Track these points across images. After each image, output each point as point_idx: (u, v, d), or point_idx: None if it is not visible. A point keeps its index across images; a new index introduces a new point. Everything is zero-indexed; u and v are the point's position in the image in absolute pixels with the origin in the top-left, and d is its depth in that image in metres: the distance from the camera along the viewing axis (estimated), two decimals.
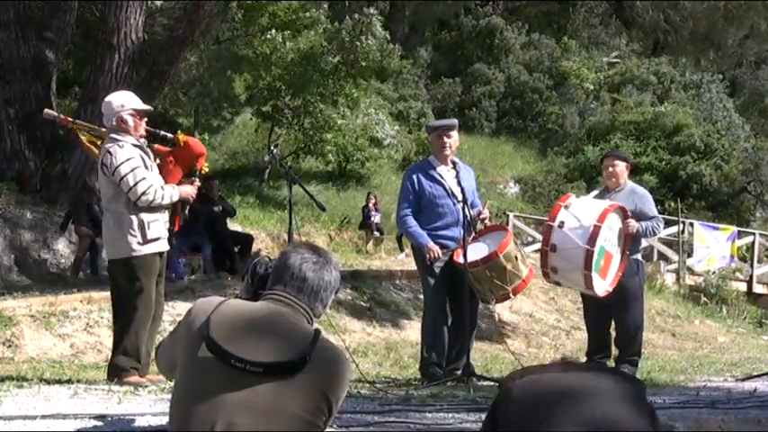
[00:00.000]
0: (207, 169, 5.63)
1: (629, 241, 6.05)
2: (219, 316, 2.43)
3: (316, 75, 17.44)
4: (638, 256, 6.36)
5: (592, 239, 5.62)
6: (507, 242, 5.56)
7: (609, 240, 5.84)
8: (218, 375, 2.34)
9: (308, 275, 2.56)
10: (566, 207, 5.85)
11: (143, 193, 4.93)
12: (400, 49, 20.19)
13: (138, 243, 4.95)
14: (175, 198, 5.15)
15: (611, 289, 5.93)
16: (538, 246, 9.92)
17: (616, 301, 6.08)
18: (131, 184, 4.92)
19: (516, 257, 5.57)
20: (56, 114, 5.95)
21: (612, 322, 6.41)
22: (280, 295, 2.53)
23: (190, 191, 5.31)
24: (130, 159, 4.96)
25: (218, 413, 2.31)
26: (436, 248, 5.69)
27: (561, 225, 5.73)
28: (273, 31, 16.94)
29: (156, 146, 5.36)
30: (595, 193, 6.44)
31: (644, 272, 6.76)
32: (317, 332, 2.48)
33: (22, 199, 10.41)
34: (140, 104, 5.19)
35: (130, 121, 5.07)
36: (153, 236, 5.01)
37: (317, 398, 2.37)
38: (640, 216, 6.12)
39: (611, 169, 6.31)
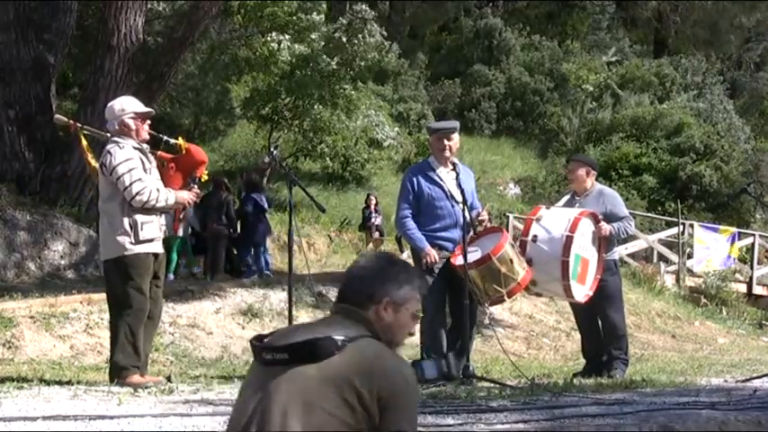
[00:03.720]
0: (206, 177, 5.67)
1: (605, 244, 6.18)
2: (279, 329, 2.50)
3: (314, 76, 17.39)
4: (615, 256, 6.51)
5: (566, 250, 5.77)
6: (502, 245, 5.54)
7: (583, 247, 5.98)
8: (257, 374, 2.32)
9: (359, 276, 2.44)
10: (537, 220, 6.02)
11: (137, 194, 4.99)
12: (398, 49, 20.09)
13: (131, 243, 5.01)
14: (171, 202, 5.19)
15: (591, 293, 6.07)
16: None
17: (598, 302, 6.22)
18: (127, 183, 4.99)
19: (512, 260, 5.56)
20: (66, 120, 6.05)
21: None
22: (337, 306, 2.44)
23: (187, 197, 5.34)
24: (129, 160, 5.05)
25: (255, 410, 2.22)
26: (433, 253, 5.69)
27: (534, 239, 5.89)
28: (274, 33, 16.89)
29: (159, 152, 5.42)
30: (566, 198, 6.60)
31: (620, 270, 7.00)
32: (371, 335, 2.31)
33: (21, 200, 10.39)
34: (141, 107, 5.31)
35: (132, 124, 5.19)
36: (146, 237, 5.06)
37: (345, 388, 2.16)
38: (611, 217, 6.25)
39: (573, 174, 6.49)
